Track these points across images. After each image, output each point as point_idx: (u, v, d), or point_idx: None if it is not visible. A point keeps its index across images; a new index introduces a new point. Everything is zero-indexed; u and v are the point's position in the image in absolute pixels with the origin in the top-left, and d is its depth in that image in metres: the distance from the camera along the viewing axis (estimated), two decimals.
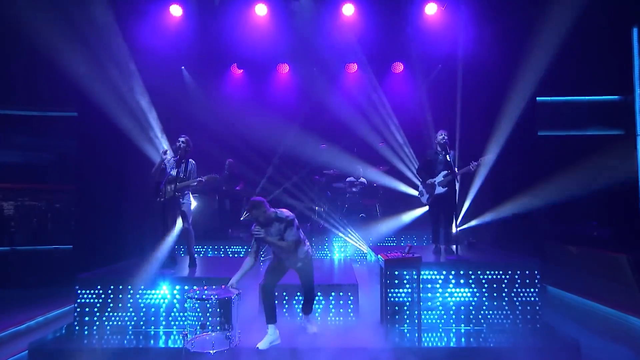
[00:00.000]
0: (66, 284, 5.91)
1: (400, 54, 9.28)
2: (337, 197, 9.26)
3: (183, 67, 9.52)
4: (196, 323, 3.90)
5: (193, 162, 5.75)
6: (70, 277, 5.38)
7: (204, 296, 3.96)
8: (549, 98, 7.65)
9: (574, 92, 7.57)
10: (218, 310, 3.93)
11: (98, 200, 7.26)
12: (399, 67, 9.88)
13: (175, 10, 7.49)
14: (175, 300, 5.04)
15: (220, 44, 8.55)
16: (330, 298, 5.20)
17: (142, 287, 5.07)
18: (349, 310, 5.17)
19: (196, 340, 3.93)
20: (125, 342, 4.74)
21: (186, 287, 4.98)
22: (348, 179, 9.33)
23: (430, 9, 7.56)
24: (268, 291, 4.36)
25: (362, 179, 9.31)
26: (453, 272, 5.06)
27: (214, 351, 3.80)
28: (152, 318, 5.04)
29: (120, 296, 5.06)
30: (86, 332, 5.03)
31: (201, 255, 7.55)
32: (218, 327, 3.90)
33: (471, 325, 5.01)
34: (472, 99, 7.94)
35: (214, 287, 4.31)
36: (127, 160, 7.49)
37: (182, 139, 5.63)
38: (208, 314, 3.93)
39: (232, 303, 3.93)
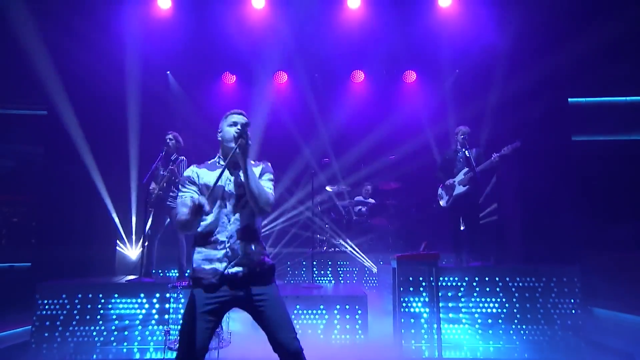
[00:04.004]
0: (22, 304, 6.05)
1: (413, 61, 9.87)
2: (341, 217, 9.50)
3: (168, 72, 10.09)
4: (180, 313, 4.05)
5: (183, 158, 6.13)
6: (27, 298, 5.54)
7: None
8: (583, 99, 8.12)
9: (613, 93, 8.03)
10: None
11: (63, 213, 7.49)
12: (412, 75, 10.44)
13: (164, 3, 8.08)
14: (154, 311, 5.18)
15: (212, 46, 9.13)
16: (335, 312, 5.32)
17: (116, 295, 5.23)
18: (357, 326, 5.28)
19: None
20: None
21: (167, 295, 5.14)
22: (356, 199, 9.63)
23: (444, 1, 8.15)
24: None
25: (371, 199, 9.61)
26: (477, 279, 5.24)
27: None
28: (125, 332, 5.15)
29: (89, 306, 5.21)
30: (44, 351, 5.12)
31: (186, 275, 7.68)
32: None
33: (501, 342, 5.12)
34: (495, 103, 8.39)
35: None
36: (101, 168, 7.79)
37: (169, 136, 6.06)
38: None
39: None
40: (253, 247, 2.74)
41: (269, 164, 2.99)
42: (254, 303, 2.67)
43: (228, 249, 2.67)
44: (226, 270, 2.65)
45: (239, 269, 2.67)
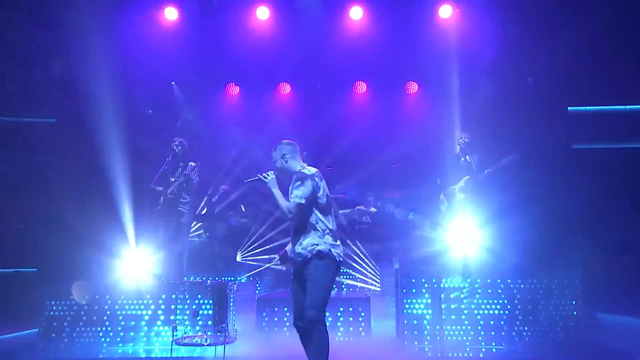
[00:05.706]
0: (27, 308, 6.19)
1: (415, 71, 10.10)
2: (345, 228, 9.62)
3: (173, 83, 10.34)
4: (187, 313, 4.21)
5: (193, 164, 6.30)
6: (32, 302, 5.67)
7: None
8: (583, 107, 8.32)
9: (613, 101, 8.24)
10: (212, 301, 4.26)
11: (70, 221, 7.63)
12: (414, 86, 10.67)
13: (170, 14, 8.37)
14: (159, 312, 5.32)
15: (217, 57, 9.38)
16: (339, 314, 5.46)
17: (122, 296, 5.38)
18: (360, 328, 5.40)
19: (186, 338, 4.24)
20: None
21: (173, 296, 5.28)
22: (357, 208, 9.77)
23: (445, 12, 8.42)
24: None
25: (373, 209, 9.76)
26: (479, 280, 5.37)
27: (207, 343, 4.06)
28: (132, 333, 5.28)
29: (96, 307, 5.34)
30: (51, 352, 5.25)
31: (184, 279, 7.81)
32: (210, 321, 4.21)
33: (504, 343, 5.22)
34: (496, 112, 8.59)
35: (209, 281, 4.64)
36: (107, 176, 7.95)
37: (175, 142, 6.25)
38: (201, 304, 4.26)
39: (228, 291, 4.26)
40: None
41: (308, 169, 3.59)
42: None
43: (338, 237, 3.64)
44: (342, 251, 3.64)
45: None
